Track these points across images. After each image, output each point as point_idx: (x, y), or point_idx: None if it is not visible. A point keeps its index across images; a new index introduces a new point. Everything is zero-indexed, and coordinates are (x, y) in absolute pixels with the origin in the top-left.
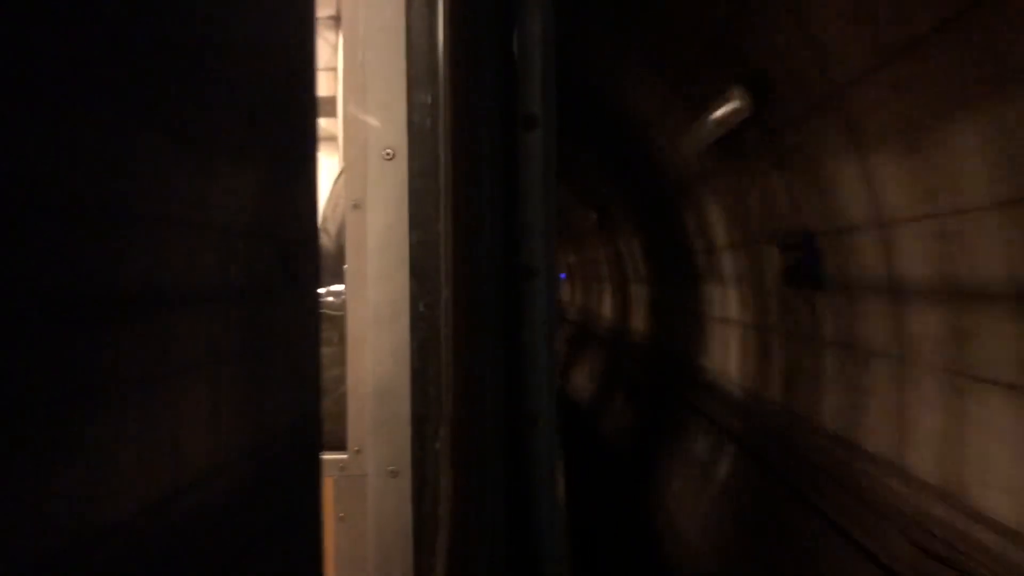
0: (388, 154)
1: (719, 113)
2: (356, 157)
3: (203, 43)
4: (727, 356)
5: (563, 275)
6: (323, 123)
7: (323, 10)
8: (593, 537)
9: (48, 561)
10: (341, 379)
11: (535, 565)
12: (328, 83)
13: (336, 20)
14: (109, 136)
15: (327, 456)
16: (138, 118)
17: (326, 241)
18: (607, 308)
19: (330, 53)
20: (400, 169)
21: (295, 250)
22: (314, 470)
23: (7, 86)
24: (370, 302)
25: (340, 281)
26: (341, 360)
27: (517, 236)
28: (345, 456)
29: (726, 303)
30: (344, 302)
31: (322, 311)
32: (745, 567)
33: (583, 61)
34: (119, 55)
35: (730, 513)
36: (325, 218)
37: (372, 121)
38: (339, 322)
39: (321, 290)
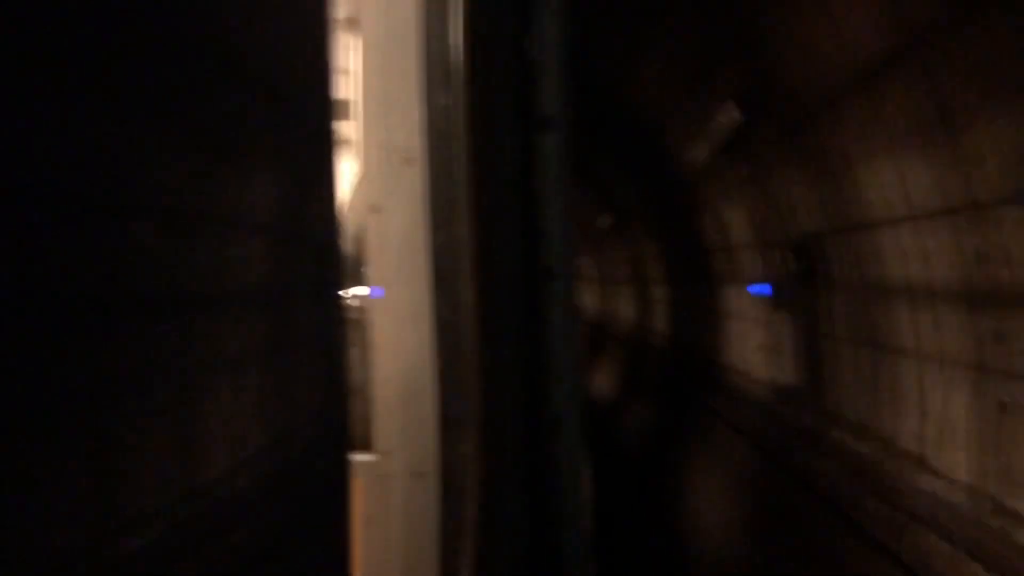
0: (406, 157)
1: None
2: (374, 160)
3: (228, 54)
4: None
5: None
6: (342, 126)
7: (341, 13)
8: (616, 534)
9: (81, 550)
10: (366, 381)
11: (559, 566)
12: (345, 86)
13: (354, 24)
14: (151, 146)
15: (355, 457)
16: (169, 128)
17: (348, 245)
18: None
19: (348, 57)
20: (418, 172)
21: (321, 253)
22: (343, 470)
23: (73, 115)
24: (392, 305)
25: (360, 284)
26: (366, 362)
27: (535, 238)
28: (373, 458)
29: None
30: (366, 305)
31: (347, 314)
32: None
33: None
34: (171, 79)
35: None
36: (347, 221)
37: (390, 124)
38: (362, 325)
39: (345, 293)
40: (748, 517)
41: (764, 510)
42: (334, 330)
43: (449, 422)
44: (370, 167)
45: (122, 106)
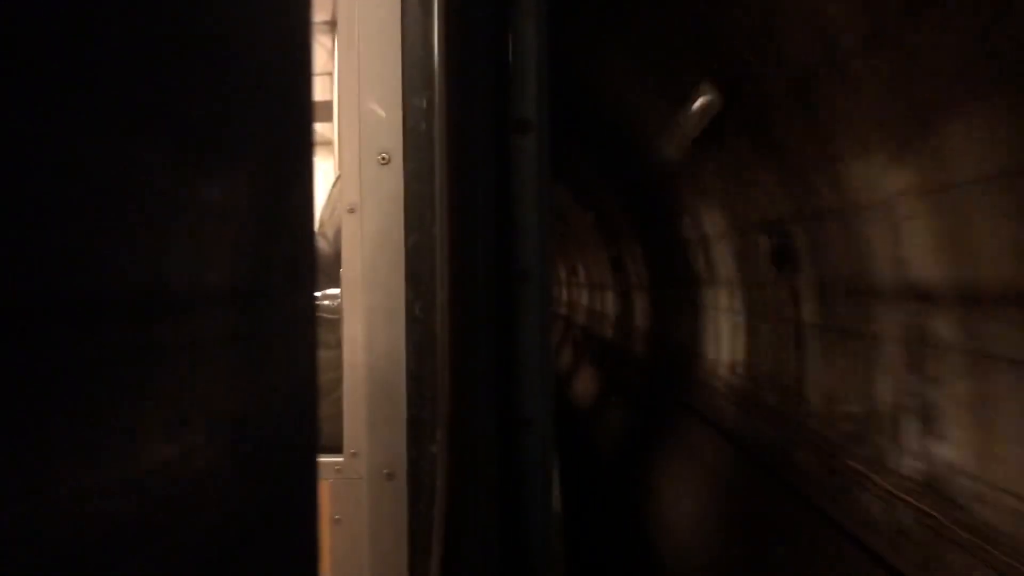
0: (384, 158)
1: None
2: (351, 161)
3: (208, 48)
4: None
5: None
6: (319, 127)
7: (319, 14)
8: (592, 540)
9: (35, 556)
10: (338, 382)
11: (528, 568)
12: (323, 87)
13: (332, 25)
14: (115, 139)
15: (323, 459)
16: (144, 121)
17: (323, 245)
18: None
19: (325, 57)
20: (396, 173)
21: (296, 253)
22: (311, 472)
23: (27, 95)
24: (366, 305)
25: (337, 285)
26: (338, 363)
27: (511, 239)
28: (341, 459)
29: None
30: (340, 305)
31: (319, 314)
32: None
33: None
34: (127, 62)
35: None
36: (322, 222)
37: (367, 125)
38: (335, 325)
39: (318, 293)
40: (710, 493)
41: (725, 485)
42: (306, 330)
43: (419, 422)
44: (347, 168)
45: (92, 105)
